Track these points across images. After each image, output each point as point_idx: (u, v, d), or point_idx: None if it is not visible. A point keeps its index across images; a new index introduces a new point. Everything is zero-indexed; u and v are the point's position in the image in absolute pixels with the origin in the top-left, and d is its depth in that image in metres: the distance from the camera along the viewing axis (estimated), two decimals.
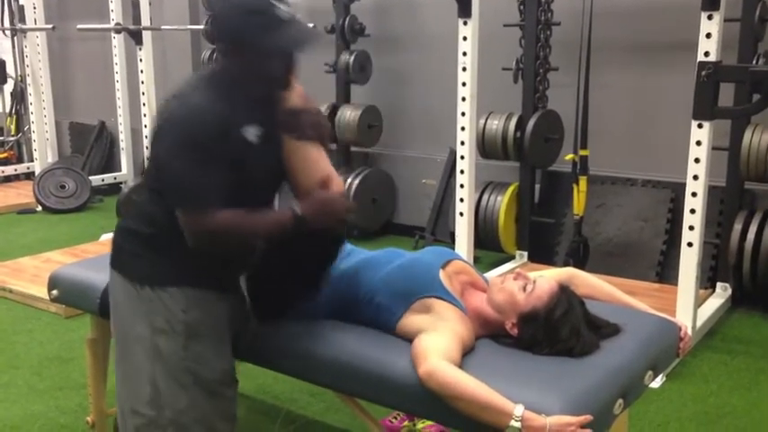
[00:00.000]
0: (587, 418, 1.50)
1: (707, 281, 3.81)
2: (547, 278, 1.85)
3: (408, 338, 1.77)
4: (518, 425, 1.49)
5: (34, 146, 6.31)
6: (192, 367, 1.84)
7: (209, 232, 1.73)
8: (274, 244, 1.86)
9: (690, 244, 3.08)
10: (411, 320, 1.82)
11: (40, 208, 5.90)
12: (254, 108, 1.79)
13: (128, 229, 1.89)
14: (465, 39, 3.59)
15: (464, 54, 3.61)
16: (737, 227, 3.64)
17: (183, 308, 1.82)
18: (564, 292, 1.80)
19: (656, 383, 2.89)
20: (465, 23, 3.58)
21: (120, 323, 1.90)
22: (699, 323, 3.28)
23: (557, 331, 1.74)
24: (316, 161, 1.86)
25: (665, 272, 3.99)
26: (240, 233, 1.78)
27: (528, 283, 1.81)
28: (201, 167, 1.70)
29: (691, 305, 3.12)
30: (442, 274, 1.90)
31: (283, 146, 1.84)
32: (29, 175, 6.70)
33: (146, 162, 4.96)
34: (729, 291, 3.73)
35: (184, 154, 1.70)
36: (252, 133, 1.77)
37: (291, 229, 1.76)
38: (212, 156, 1.70)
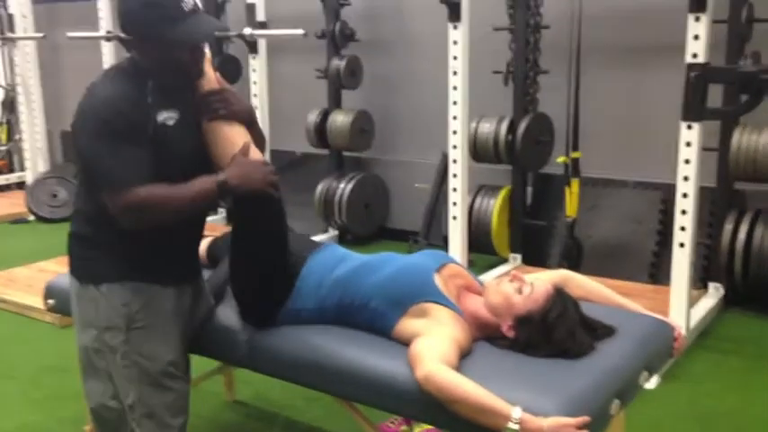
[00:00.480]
0: (585, 419, 1.52)
1: (699, 281, 3.83)
2: (542, 280, 1.87)
3: (405, 343, 1.78)
4: (516, 427, 1.50)
5: (26, 155, 6.29)
6: (135, 360, 1.90)
7: (134, 207, 1.76)
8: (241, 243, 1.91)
9: (682, 245, 3.10)
10: (407, 325, 1.84)
11: (32, 217, 5.88)
12: (169, 95, 1.83)
13: (73, 234, 1.96)
14: (455, 43, 3.61)
15: (455, 58, 3.63)
16: (728, 227, 3.67)
17: (124, 302, 1.88)
18: (559, 295, 1.82)
19: (651, 384, 2.91)
20: (455, 27, 3.60)
21: (78, 325, 1.97)
22: (692, 323, 3.30)
23: (552, 333, 1.76)
24: (230, 138, 1.90)
25: (658, 273, 4.01)
26: (166, 204, 1.80)
27: (524, 285, 1.83)
28: (117, 148, 1.74)
29: (684, 306, 3.14)
30: (437, 278, 1.92)
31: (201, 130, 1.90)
32: (20, 185, 6.67)
33: None
34: (722, 291, 3.76)
35: (99, 138, 1.75)
36: (167, 117, 1.82)
37: (217, 194, 1.80)
38: (126, 137, 1.75)
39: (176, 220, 1.86)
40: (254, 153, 1.91)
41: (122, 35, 1.82)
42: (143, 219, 1.79)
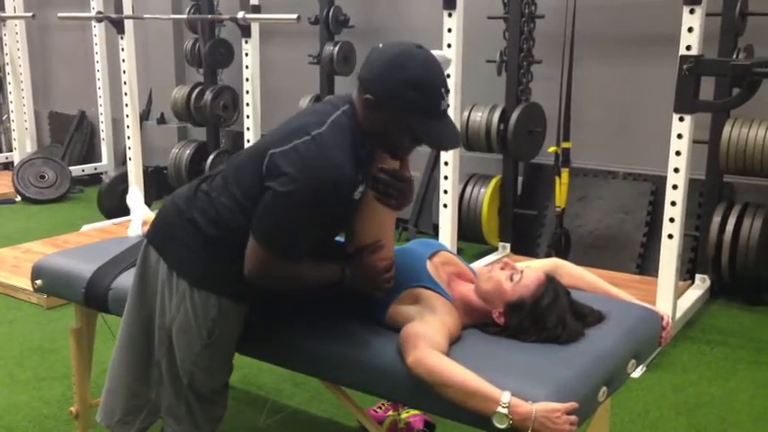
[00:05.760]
0: (573, 404, 1.52)
1: (686, 273, 3.86)
2: (533, 268, 1.87)
3: (396, 328, 1.78)
4: (505, 411, 1.51)
5: (13, 135, 6.24)
6: (194, 373, 1.86)
7: (273, 277, 1.73)
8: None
9: (670, 236, 3.12)
10: (399, 310, 1.84)
11: (19, 198, 5.84)
12: (366, 165, 1.74)
13: (190, 220, 1.81)
14: (449, 30, 3.60)
15: (448, 46, 3.62)
16: (716, 219, 3.69)
17: (213, 316, 1.81)
18: (550, 282, 1.82)
19: (637, 373, 2.93)
20: (450, 15, 3.59)
21: (148, 300, 1.89)
22: (678, 314, 3.33)
23: (543, 320, 1.76)
24: (381, 226, 1.83)
25: (646, 264, 4.04)
26: (298, 281, 1.78)
27: (515, 272, 1.83)
28: (309, 225, 1.68)
29: (670, 296, 3.16)
30: (429, 265, 1.92)
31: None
32: (7, 165, 6.63)
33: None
34: (708, 282, 3.79)
35: (301, 208, 1.64)
36: (359, 192, 1.74)
37: (336, 283, 1.78)
38: (325, 216, 1.69)
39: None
40: (387, 251, 1.83)
41: (365, 95, 1.68)
42: (269, 283, 1.75)
